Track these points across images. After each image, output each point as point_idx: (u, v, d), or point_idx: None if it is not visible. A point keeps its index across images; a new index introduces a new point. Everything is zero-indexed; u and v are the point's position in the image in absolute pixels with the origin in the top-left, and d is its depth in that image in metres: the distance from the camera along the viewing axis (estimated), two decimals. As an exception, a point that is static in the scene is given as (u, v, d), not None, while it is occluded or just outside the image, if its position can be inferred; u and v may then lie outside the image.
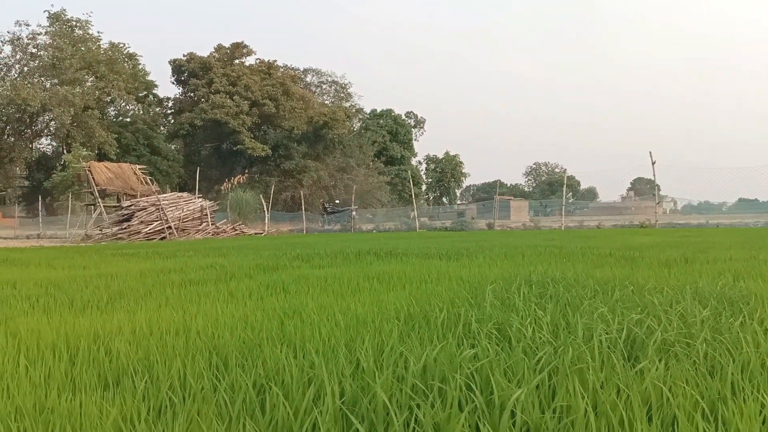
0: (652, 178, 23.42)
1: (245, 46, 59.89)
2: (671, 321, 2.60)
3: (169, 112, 64.15)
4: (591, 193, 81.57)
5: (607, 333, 2.38)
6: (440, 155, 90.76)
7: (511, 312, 2.91)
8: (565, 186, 26.86)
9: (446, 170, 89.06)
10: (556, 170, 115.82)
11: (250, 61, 60.60)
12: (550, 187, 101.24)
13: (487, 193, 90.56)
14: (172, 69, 59.19)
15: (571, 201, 42.48)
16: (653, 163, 22.36)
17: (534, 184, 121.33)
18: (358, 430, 1.44)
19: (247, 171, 51.62)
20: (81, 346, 2.47)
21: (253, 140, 54.72)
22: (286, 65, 64.63)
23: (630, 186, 69.79)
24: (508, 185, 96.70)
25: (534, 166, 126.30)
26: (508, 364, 2.00)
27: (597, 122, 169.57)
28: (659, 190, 25.02)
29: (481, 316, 2.83)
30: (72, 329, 2.87)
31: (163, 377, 1.94)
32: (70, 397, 1.79)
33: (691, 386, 1.77)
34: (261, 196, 32.92)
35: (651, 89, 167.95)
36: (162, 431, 1.41)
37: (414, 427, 1.48)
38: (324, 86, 73.02)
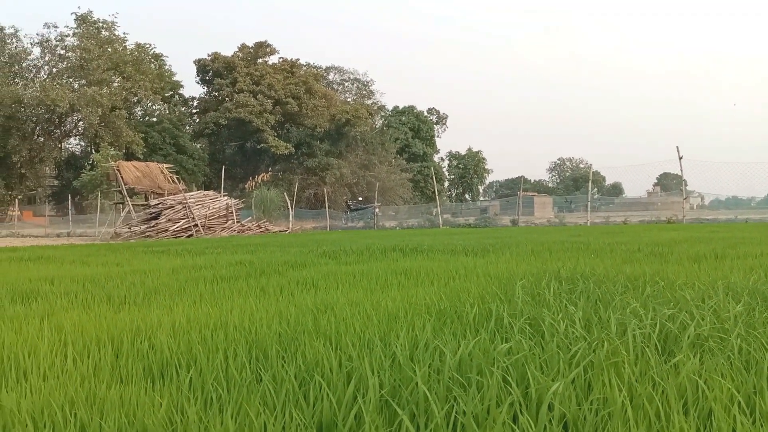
0: (680, 173, 23.10)
1: (268, 46, 60.31)
2: (704, 316, 2.60)
3: (194, 111, 64.88)
4: (616, 189, 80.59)
5: (640, 328, 2.39)
6: (463, 151, 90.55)
7: (543, 307, 2.93)
8: (590, 181, 26.62)
9: (469, 166, 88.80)
10: (581, 165, 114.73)
11: (273, 60, 61.06)
12: (574, 182, 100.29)
13: (511, 189, 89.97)
14: (196, 69, 59.85)
15: (596, 197, 42.06)
16: (680, 158, 22.06)
17: (558, 180, 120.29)
18: (400, 420, 1.48)
19: (270, 169, 51.97)
20: (124, 341, 2.55)
21: (276, 138, 55.12)
22: (309, 64, 64.96)
23: (656, 181, 68.88)
24: (532, 181, 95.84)
25: (558, 161, 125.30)
26: (543, 359, 2.03)
27: (622, 117, 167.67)
28: (686, 185, 24.69)
29: (512, 311, 2.86)
30: (113, 324, 2.95)
31: (207, 370, 2.01)
32: (119, 388, 1.87)
33: (726, 380, 1.78)
34: (285, 193, 33.15)
35: (677, 83, 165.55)
36: (213, 419, 1.47)
37: (455, 418, 1.52)
38: (346, 84, 73.20)
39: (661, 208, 36.54)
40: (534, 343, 2.24)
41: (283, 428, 1.45)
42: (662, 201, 43.74)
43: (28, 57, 54.08)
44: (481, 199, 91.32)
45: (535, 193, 58.23)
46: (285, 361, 2.07)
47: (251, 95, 54.92)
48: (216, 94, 58.67)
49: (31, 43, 53.95)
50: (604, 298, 3.25)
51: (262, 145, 54.64)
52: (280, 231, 26.03)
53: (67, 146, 61.00)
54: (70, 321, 3.05)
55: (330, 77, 71.29)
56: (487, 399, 1.59)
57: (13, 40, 53.27)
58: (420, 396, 1.60)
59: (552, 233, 13.72)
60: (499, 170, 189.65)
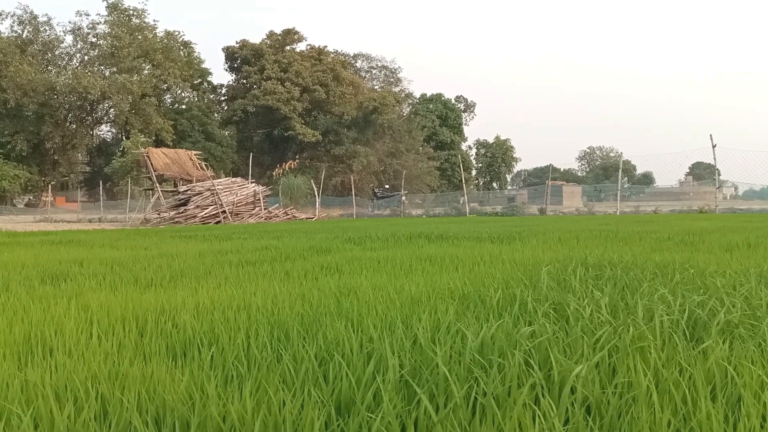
0: (712, 162, 22.61)
1: (296, 33, 60.37)
2: (735, 303, 2.54)
3: (222, 98, 65.35)
4: (647, 178, 79.25)
5: (668, 314, 2.34)
6: (491, 140, 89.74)
7: (568, 293, 2.89)
8: (620, 170, 26.22)
9: (497, 155, 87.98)
10: (611, 154, 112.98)
11: (301, 47, 61.13)
12: (604, 171, 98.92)
13: (539, 178, 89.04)
14: (225, 56, 60.17)
15: (626, 186, 41.40)
16: (714, 147, 21.59)
17: (588, 169, 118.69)
18: (419, 399, 1.47)
19: (298, 156, 52.20)
20: (148, 320, 2.58)
21: (303, 126, 55.27)
22: (337, 51, 64.89)
23: (688, 171, 67.70)
24: (561, 170, 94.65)
25: (588, 150, 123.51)
26: (566, 342, 2.00)
27: (654, 105, 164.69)
28: (719, 174, 24.17)
29: (537, 296, 2.82)
30: (139, 304, 2.99)
31: (228, 348, 2.02)
32: (142, 365, 1.89)
33: (757, 367, 1.73)
34: (312, 181, 33.27)
35: (709, 69, 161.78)
36: (232, 396, 1.47)
37: (475, 398, 1.50)
38: (374, 71, 72.99)
39: (693, 198, 35.84)
40: (558, 328, 2.21)
41: (302, 405, 1.45)
42: (694, 191, 42.93)
43: (61, 45, 55.02)
44: (509, 187, 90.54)
45: (564, 182, 57.52)
46: (306, 342, 2.07)
47: (279, 82, 55.09)
48: (244, 81, 58.99)
49: (63, 31, 54.93)
50: (631, 284, 3.19)
51: (289, 132, 54.85)
52: (306, 218, 26.16)
53: (99, 133, 62.03)
54: (96, 301, 3.09)
55: (357, 64, 71.16)
56: (508, 380, 1.57)
57: (47, 28, 54.21)
58: (440, 376, 1.58)
59: (580, 222, 13.56)
60: (527, 159, 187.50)
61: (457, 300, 2.89)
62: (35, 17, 53.52)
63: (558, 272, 3.65)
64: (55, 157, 54.23)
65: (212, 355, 1.98)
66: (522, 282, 3.34)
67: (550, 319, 2.37)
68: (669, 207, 26.54)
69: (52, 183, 51.39)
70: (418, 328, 2.14)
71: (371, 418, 1.33)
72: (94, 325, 2.50)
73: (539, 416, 1.37)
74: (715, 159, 21.98)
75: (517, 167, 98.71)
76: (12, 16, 53.39)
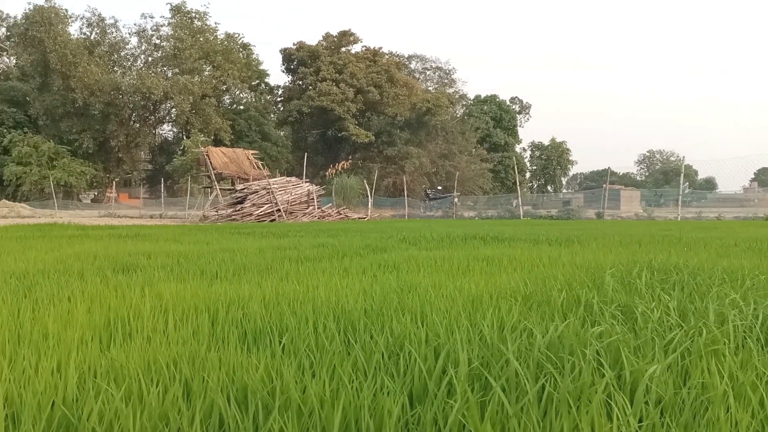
0: (781, 168, 21.67)
1: (352, 34, 60.84)
2: (812, 310, 2.45)
3: (278, 99, 66.41)
4: (709, 184, 76.59)
5: (740, 319, 2.28)
6: (546, 142, 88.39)
7: (634, 296, 2.85)
8: (682, 175, 25.43)
9: (552, 158, 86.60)
10: (672, 159, 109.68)
11: (356, 48, 61.54)
12: (664, 176, 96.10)
13: (595, 181, 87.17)
14: (282, 58, 61.12)
15: (687, 191, 40.13)
16: (783, 152, 20.69)
17: (647, 173, 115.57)
18: (490, 394, 1.48)
19: (351, 157, 52.56)
20: (219, 309, 2.67)
21: (357, 127, 55.65)
22: (391, 52, 65.07)
23: (753, 176, 65.09)
24: (619, 174, 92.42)
25: (647, 154, 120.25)
26: (636, 344, 1.98)
27: (717, 108, 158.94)
28: (788, 180, 23.13)
29: (602, 298, 2.79)
30: (207, 295, 3.09)
31: (298, 338, 2.08)
32: (218, 351, 1.96)
33: (839, 374, 1.68)
34: (364, 181, 33.46)
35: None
36: (310, 381, 1.52)
37: (546, 395, 1.50)
38: (428, 72, 72.90)
39: (758, 205, 34.48)
40: (626, 329, 2.18)
41: (374, 394, 1.49)
42: (759, 197, 41.27)
43: (126, 46, 56.99)
44: (564, 191, 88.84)
45: (622, 186, 56.04)
46: (373, 334, 2.11)
47: (334, 84, 55.63)
48: (300, 82, 59.78)
49: (129, 33, 56.98)
50: (699, 289, 3.12)
51: (343, 133, 55.33)
52: (359, 218, 26.32)
53: (161, 132, 63.97)
54: (168, 291, 3.22)
55: (412, 66, 71.21)
56: (581, 378, 1.57)
57: (113, 30, 56.25)
58: (510, 371, 1.59)
59: (640, 227, 13.23)
60: (583, 162, 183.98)
61: (520, 300, 2.88)
62: (102, 19, 55.59)
63: (622, 275, 3.60)
64: (120, 155, 56.16)
65: (283, 344, 2.04)
66: (585, 284, 3.30)
67: (617, 320, 2.35)
68: (733, 213, 25.57)
69: (116, 180, 53.23)
70: (483, 325, 2.16)
71: (448, 403, 1.36)
72: (169, 312, 2.60)
73: (616, 414, 1.37)
74: (783, 164, 21.06)
75: (573, 170, 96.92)
76: (81, 18, 55.69)
